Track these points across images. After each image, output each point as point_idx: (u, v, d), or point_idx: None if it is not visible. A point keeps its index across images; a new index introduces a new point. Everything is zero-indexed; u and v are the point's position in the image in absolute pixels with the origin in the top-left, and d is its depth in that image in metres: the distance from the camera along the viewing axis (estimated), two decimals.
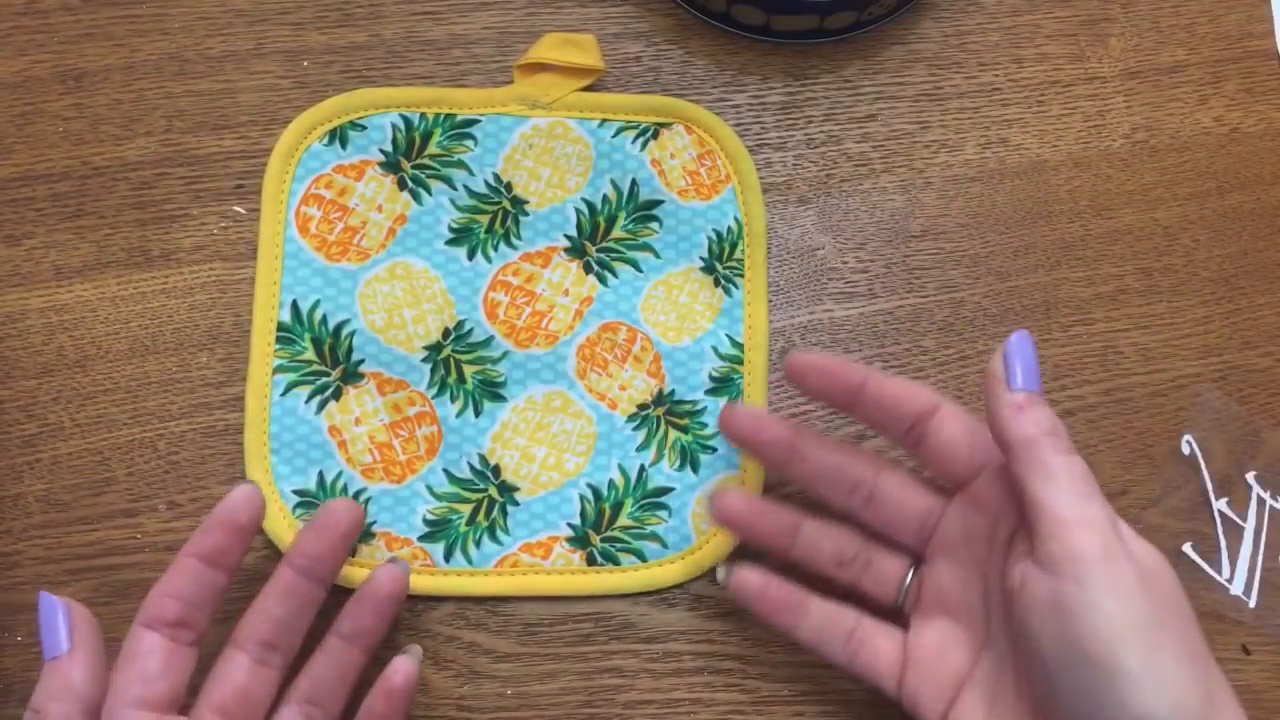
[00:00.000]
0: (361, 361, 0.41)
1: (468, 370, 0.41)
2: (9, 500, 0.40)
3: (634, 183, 0.43)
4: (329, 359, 0.41)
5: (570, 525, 0.40)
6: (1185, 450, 0.43)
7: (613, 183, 0.43)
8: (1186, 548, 0.42)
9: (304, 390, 0.41)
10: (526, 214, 0.42)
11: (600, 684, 0.40)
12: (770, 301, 0.43)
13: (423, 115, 0.43)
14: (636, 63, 0.44)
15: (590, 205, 0.43)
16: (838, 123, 0.45)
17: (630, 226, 0.43)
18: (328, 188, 0.42)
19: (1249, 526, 0.42)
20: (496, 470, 0.41)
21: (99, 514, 0.40)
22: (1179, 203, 0.45)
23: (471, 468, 0.41)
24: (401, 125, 0.43)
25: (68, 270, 0.42)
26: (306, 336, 0.41)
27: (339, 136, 0.42)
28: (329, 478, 0.40)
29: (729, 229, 0.43)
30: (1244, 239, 0.45)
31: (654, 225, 0.43)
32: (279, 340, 0.41)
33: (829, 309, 0.43)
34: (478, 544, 0.40)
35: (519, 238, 0.42)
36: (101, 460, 0.40)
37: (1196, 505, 0.42)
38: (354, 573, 0.39)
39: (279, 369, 0.41)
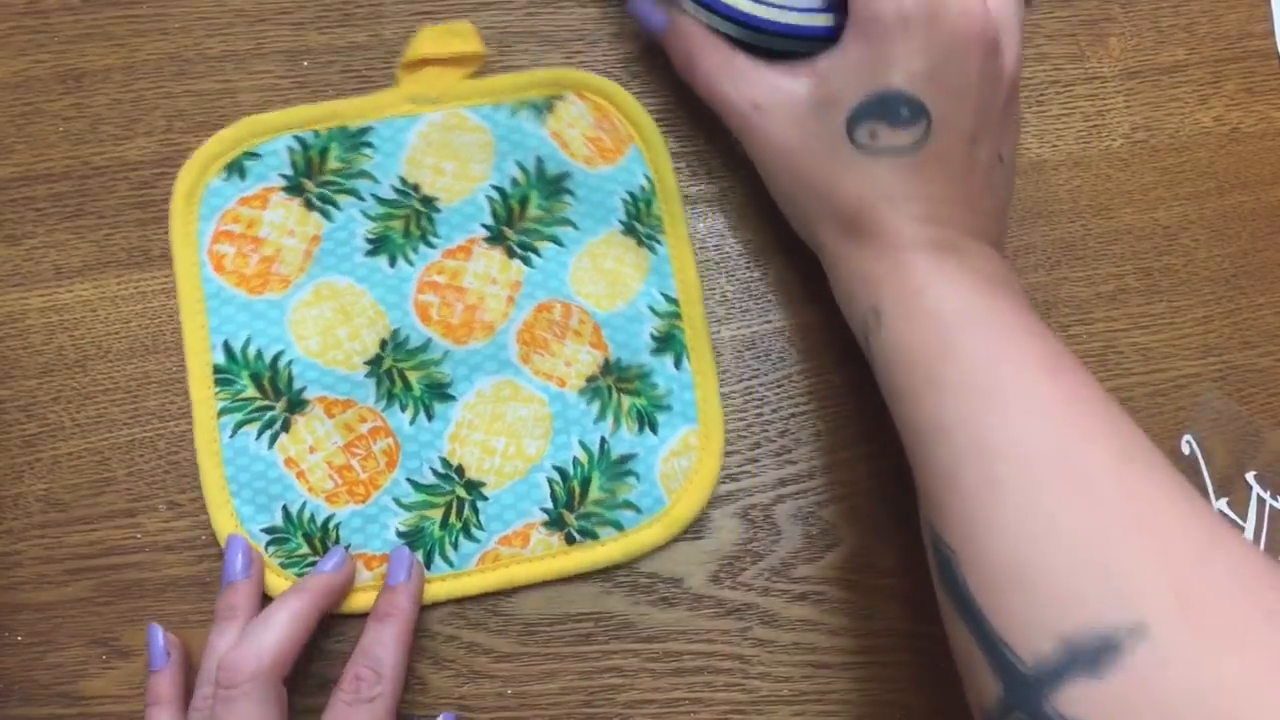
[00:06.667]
0: (304, 389, 0.41)
1: (412, 376, 0.41)
2: (9, 500, 0.40)
3: (539, 160, 0.43)
4: (271, 392, 0.41)
5: (543, 509, 0.40)
6: (1185, 450, 0.43)
7: (518, 164, 0.43)
8: None
9: (252, 428, 0.40)
10: (439, 211, 0.42)
11: (600, 683, 0.40)
12: (769, 300, 0.43)
13: (315, 132, 0.42)
14: (636, 62, 0.44)
15: (500, 190, 0.42)
16: None
17: (544, 204, 0.42)
18: (235, 222, 0.41)
19: (1249, 526, 0.42)
20: (460, 470, 0.41)
21: (99, 514, 0.40)
22: (1179, 202, 0.45)
23: (434, 472, 0.41)
24: (297, 146, 0.42)
25: (68, 270, 0.42)
26: (245, 374, 0.41)
27: (236, 169, 0.42)
28: (294, 510, 0.40)
29: (641, 188, 0.43)
30: (1244, 239, 0.45)
31: (567, 198, 0.43)
32: (218, 382, 0.40)
33: (828, 307, 0.43)
34: (455, 545, 0.40)
35: (436, 236, 0.42)
36: (101, 460, 0.40)
37: None
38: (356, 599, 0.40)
39: (223, 410, 0.40)
